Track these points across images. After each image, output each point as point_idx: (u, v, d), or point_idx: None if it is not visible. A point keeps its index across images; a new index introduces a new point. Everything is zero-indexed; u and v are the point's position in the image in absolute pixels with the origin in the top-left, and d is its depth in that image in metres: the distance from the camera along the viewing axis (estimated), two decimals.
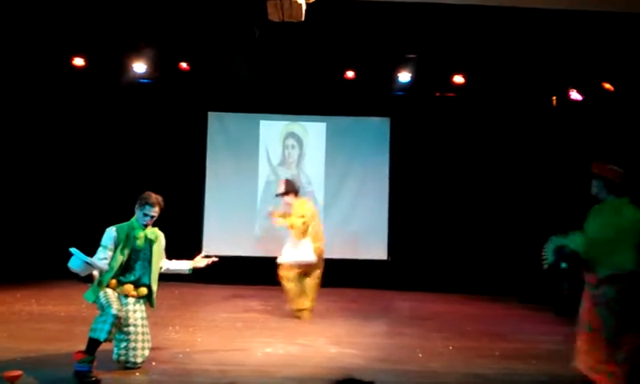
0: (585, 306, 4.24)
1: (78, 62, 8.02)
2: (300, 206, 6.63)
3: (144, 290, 4.77)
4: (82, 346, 4.98)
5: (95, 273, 4.66)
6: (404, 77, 8.17)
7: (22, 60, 7.76)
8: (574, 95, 7.78)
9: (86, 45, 7.78)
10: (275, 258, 9.01)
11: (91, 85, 8.43)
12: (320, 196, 9.06)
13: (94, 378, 4.38)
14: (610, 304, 4.04)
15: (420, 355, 5.40)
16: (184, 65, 8.24)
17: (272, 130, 9.07)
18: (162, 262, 4.93)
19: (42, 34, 7.21)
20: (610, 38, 6.22)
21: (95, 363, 4.51)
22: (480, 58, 7.57)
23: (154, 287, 4.81)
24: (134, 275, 4.74)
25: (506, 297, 8.09)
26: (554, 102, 8.38)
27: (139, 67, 8.07)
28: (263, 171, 9.04)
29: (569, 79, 7.78)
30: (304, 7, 4.73)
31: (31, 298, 7.00)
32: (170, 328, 5.99)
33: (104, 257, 4.65)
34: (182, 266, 5.07)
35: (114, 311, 4.48)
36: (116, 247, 4.66)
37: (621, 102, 7.12)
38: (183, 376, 4.58)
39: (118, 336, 4.65)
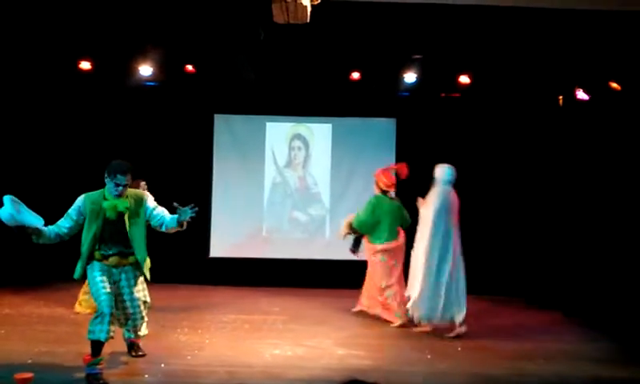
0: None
1: (85, 65, 8.06)
2: None
3: (132, 259, 4.62)
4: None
5: (43, 229, 4.45)
6: (410, 77, 8.15)
7: (29, 64, 7.80)
8: (581, 95, 7.74)
9: (92, 48, 7.82)
10: (281, 258, 9.09)
11: (98, 88, 8.46)
12: (326, 197, 9.07)
13: (102, 381, 4.41)
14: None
15: (428, 356, 5.39)
16: (190, 67, 8.26)
17: (278, 132, 9.09)
18: (158, 221, 4.66)
19: (49, 39, 7.24)
20: (617, 36, 6.19)
21: (103, 365, 4.53)
22: (486, 58, 7.54)
23: (140, 256, 4.62)
24: (116, 247, 4.57)
25: (512, 297, 8.06)
26: (561, 101, 8.34)
27: (145, 70, 8.10)
28: (269, 173, 9.06)
29: (575, 79, 7.74)
30: (309, 9, 4.74)
31: (40, 301, 7.04)
32: (179, 330, 6.01)
33: (66, 225, 4.52)
34: (171, 223, 4.70)
35: (107, 308, 4.41)
36: (83, 218, 4.51)
37: (628, 102, 7.08)
38: (192, 377, 4.61)
39: (117, 314, 4.65)
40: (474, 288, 8.27)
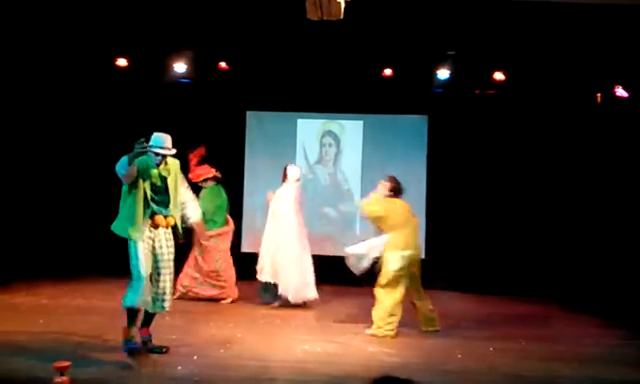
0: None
1: (122, 62, 8.23)
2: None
3: (172, 220, 4.96)
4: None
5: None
6: (443, 74, 8.07)
7: (68, 61, 8.00)
8: (620, 92, 7.55)
9: (128, 46, 7.97)
10: (312, 255, 9.06)
11: (133, 84, 8.62)
12: (357, 194, 9.04)
13: (144, 349, 4.86)
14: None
15: (459, 356, 5.34)
16: (223, 64, 8.35)
17: (309, 129, 9.11)
18: (184, 194, 5.11)
19: (87, 37, 7.42)
20: None
21: (136, 337, 4.85)
22: (521, 54, 7.41)
23: (177, 216, 4.99)
24: (159, 208, 4.89)
25: (545, 299, 7.91)
26: (599, 99, 8.14)
27: (180, 67, 8.22)
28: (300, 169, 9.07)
29: (614, 75, 7.55)
30: (343, 5, 4.73)
31: (77, 293, 7.23)
32: (211, 323, 6.09)
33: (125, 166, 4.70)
34: (192, 212, 5.23)
35: (143, 280, 4.74)
36: (137, 175, 4.78)
37: None
38: (223, 370, 4.66)
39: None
40: (505, 288, 8.20)
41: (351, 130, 9.07)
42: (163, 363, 4.75)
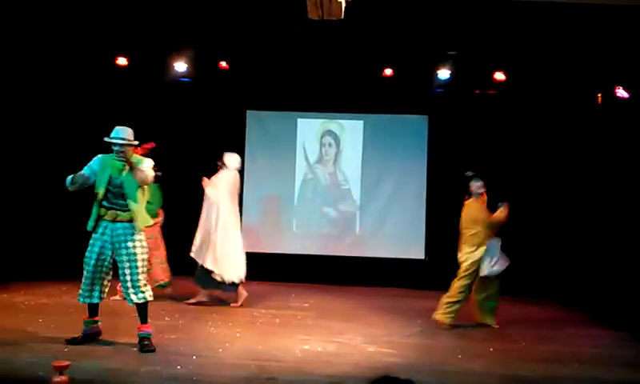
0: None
1: (122, 61, 8.22)
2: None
3: (128, 215, 5.04)
4: (125, 338, 5.20)
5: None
6: (443, 74, 8.06)
7: (68, 60, 8.00)
8: (621, 92, 7.54)
9: (129, 45, 7.96)
10: (311, 255, 9.07)
11: (134, 83, 8.62)
12: (357, 194, 9.05)
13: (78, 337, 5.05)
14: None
15: (459, 356, 5.33)
16: (223, 64, 8.35)
17: (309, 128, 9.11)
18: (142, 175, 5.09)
19: (87, 35, 7.42)
20: None
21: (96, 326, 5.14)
22: (522, 55, 7.41)
23: (134, 208, 5.05)
24: (117, 203, 5.02)
25: (545, 299, 7.91)
26: (600, 99, 8.13)
27: (180, 66, 8.22)
28: (300, 169, 9.09)
29: (615, 76, 7.54)
30: (343, 5, 4.72)
31: (76, 292, 7.16)
32: (210, 323, 6.08)
33: (83, 173, 5.06)
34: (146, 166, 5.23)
35: (87, 274, 5.06)
36: (97, 173, 5.03)
37: None
38: (223, 370, 4.65)
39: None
40: (505, 289, 8.18)
41: (351, 129, 9.06)
42: (163, 362, 4.74)
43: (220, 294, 6.96)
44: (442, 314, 6.28)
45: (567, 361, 5.29)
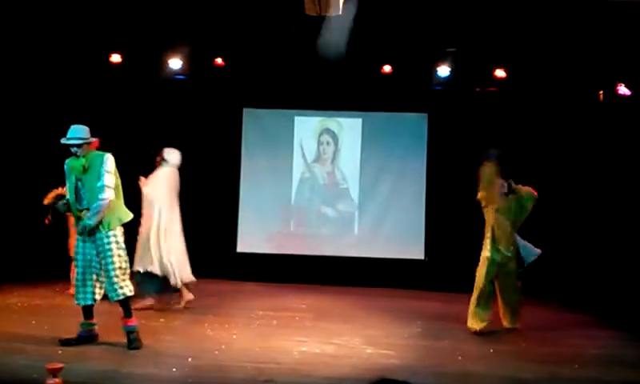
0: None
1: (116, 58, 8.13)
2: None
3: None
4: (119, 339, 5.13)
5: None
6: (443, 71, 8.00)
7: (61, 57, 7.90)
8: (622, 90, 7.49)
9: (123, 42, 7.87)
10: (309, 255, 8.97)
11: (128, 81, 8.52)
12: (355, 193, 8.97)
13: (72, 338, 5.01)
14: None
15: (459, 357, 5.27)
16: (219, 61, 8.26)
17: (307, 126, 9.02)
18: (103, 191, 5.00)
19: (80, 32, 7.33)
20: None
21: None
22: (522, 52, 7.35)
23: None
24: (84, 203, 4.98)
25: (546, 300, 7.84)
26: (601, 96, 8.07)
27: (175, 63, 8.13)
28: (298, 167, 9.00)
29: (616, 73, 7.49)
30: (341, 1, 4.67)
31: (70, 293, 7.11)
32: (206, 324, 6.01)
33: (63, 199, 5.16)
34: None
35: (79, 274, 5.02)
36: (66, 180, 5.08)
37: None
38: (219, 372, 4.58)
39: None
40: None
41: (350, 127, 8.98)
42: (158, 364, 4.67)
43: (163, 297, 6.59)
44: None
45: (568, 362, 5.25)
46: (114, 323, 5.20)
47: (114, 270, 4.97)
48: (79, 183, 4.99)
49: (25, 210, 8.24)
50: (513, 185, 6.25)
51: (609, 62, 7.17)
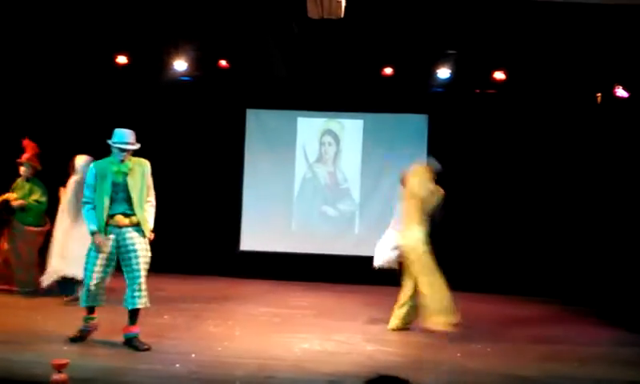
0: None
1: (121, 59, 8.21)
2: None
3: (135, 219, 4.96)
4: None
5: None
6: (443, 73, 8.06)
7: (67, 58, 7.99)
8: (620, 92, 7.54)
9: (128, 43, 7.96)
10: (310, 254, 9.04)
11: (133, 82, 8.61)
12: (356, 193, 9.04)
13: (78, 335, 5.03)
14: None
15: (458, 355, 5.33)
16: (223, 63, 8.34)
17: (309, 127, 9.09)
18: (150, 194, 5.07)
19: (86, 33, 7.41)
20: None
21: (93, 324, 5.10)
22: (522, 54, 7.40)
23: (139, 214, 4.97)
24: (121, 207, 4.93)
25: (548, 298, 7.89)
26: (599, 99, 8.13)
27: (180, 65, 8.21)
28: (300, 168, 9.08)
29: (614, 75, 7.54)
30: (343, 4, 4.73)
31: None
32: (209, 321, 6.08)
33: (90, 194, 4.95)
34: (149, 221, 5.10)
35: (91, 286, 4.94)
36: (97, 184, 4.93)
37: None
38: (222, 369, 4.64)
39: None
40: (507, 288, 8.19)
41: (351, 128, 9.06)
42: (162, 361, 4.74)
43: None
44: None
45: (568, 360, 5.28)
46: (120, 321, 5.27)
47: (140, 277, 4.93)
48: (118, 187, 4.92)
49: None
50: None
51: (607, 65, 7.22)
